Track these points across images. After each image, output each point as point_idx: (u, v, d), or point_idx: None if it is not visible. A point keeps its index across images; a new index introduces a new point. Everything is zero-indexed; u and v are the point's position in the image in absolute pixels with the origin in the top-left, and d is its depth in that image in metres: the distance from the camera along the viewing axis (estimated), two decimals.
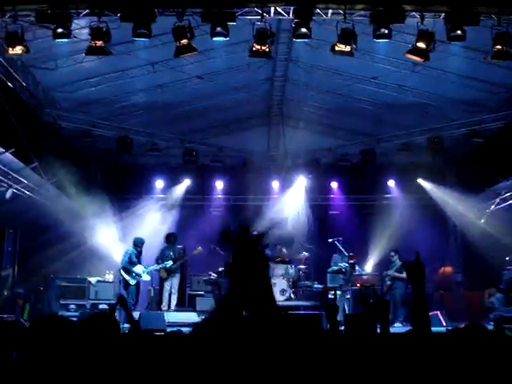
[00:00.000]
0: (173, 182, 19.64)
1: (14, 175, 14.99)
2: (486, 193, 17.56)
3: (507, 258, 16.07)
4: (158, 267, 15.29)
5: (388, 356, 3.48)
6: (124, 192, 19.70)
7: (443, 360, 2.54)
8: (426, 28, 11.49)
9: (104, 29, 11.44)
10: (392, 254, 15.53)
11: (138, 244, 14.71)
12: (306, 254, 17.33)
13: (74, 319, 9.76)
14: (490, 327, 11.20)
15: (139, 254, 14.72)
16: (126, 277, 14.49)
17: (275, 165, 19.77)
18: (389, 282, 15.19)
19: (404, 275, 14.86)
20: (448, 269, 19.60)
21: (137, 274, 14.57)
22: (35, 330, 2.80)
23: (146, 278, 14.73)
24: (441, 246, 18.32)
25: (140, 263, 14.73)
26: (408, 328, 3.96)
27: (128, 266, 14.51)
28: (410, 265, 3.32)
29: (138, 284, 14.76)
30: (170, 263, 15.30)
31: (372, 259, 18.01)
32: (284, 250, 16.99)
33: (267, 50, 11.89)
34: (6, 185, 14.80)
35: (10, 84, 14.01)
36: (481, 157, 17.05)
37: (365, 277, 16.28)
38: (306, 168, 19.32)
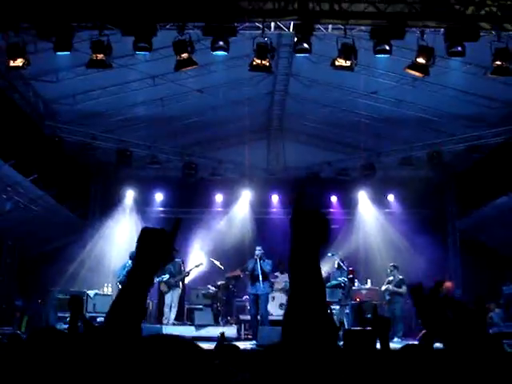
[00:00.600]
0: (173, 194, 19.63)
1: (14, 187, 14.98)
2: (485, 207, 17.52)
3: None
4: (155, 280, 15.23)
5: (388, 373, 3.45)
6: (124, 204, 19.63)
7: (442, 376, 2.52)
8: (425, 43, 11.55)
9: (105, 42, 11.50)
10: (391, 268, 15.47)
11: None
12: None
13: None
14: None
15: None
16: None
17: (274, 179, 19.77)
18: (388, 297, 15.12)
19: (403, 290, 14.83)
20: (448, 283, 19.52)
21: None
22: (32, 343, 2.79)
23: None
24: (440, 260, 18.27)
25: None
26: (405, 343, 3.95)
27: (125, 279, 14.45)
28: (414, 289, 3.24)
29: None
30: (166, 277, 15.24)
31: (371, 274, 17.95)
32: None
33: (267, 64, 11.93)
34: (5, 197, 14.79)
35: (10, 96, 14.07)
36: (480, 172, 17.07)
37: (364, 291, 16.21)
38: (305, 182, 19.32)
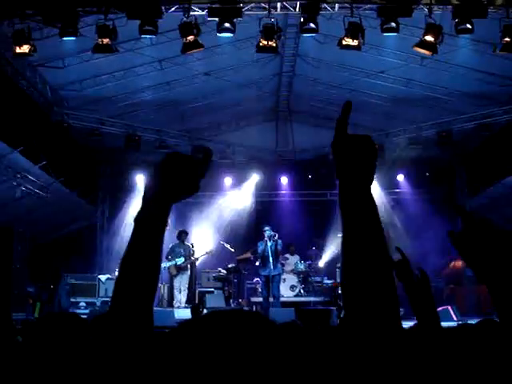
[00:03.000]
0: None
1: (23, 174, 15.03)
2: (496, 186, 17.42)
3: None
4: (169, 264, 15.27)
5: (400, 352, 3.44)
6: (133, 189, 19.62)
7: (452, 356, 2.51)
8: (433, 21, 11.42)
9: (110, 26, 11.45)
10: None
11: None
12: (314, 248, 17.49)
13: (84, 317, 9.76)
14: None
15: None
16: None
17: (284, 161, 19.73)
18: None
19: None
20: (458, 263, 19.47)
21: None
22: (43, 325, 2.79)
23: None
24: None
25: None
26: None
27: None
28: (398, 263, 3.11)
29: None
30: (181, 260, 15.27)
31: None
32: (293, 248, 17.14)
33: (274, 45, 11.87)
34: (15, 184, 14.84)
35: (18, 83, 14.06)
36: (491, 150, 16.96)
37: None
38: (314, 163, 19.28)
